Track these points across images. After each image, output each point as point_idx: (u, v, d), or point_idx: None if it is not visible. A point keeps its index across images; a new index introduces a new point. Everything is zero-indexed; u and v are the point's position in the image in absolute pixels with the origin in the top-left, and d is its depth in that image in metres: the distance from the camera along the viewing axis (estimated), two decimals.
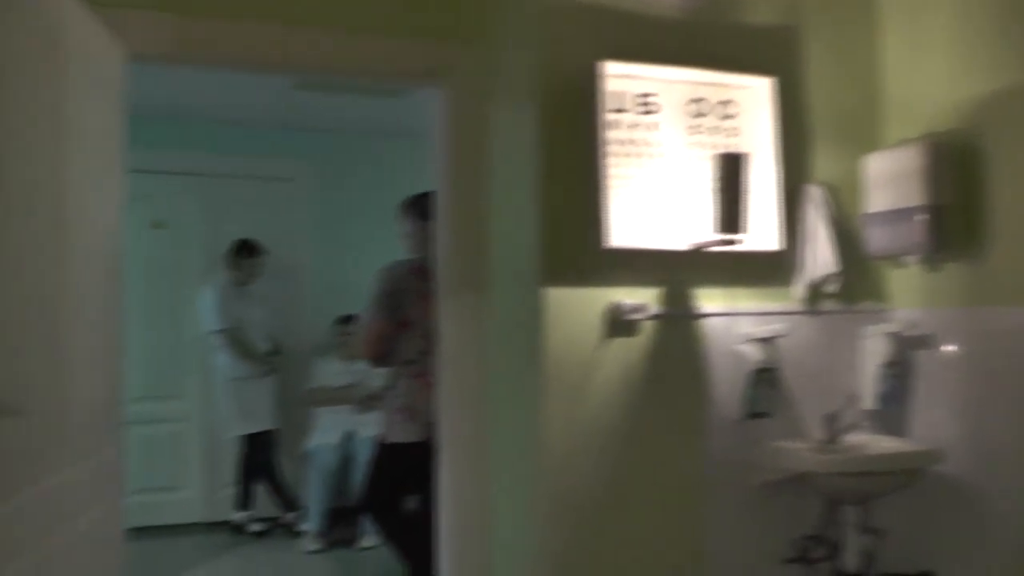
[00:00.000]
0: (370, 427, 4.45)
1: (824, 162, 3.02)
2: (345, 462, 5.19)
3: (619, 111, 2.65)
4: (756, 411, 2.79)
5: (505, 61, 2.90)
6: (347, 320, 5.29)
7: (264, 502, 5.36)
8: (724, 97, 2.82)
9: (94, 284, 2.39)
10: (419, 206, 3.49)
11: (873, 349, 2.98)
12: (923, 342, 2.92)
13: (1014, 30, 2.64)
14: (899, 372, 2.95)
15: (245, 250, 5.34)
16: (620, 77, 2.65)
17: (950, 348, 2.83)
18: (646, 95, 2.70)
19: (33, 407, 1.96)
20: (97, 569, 2.43)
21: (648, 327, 2.71)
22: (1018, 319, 2.58)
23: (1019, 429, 2.57)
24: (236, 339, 5.21)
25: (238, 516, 5.35)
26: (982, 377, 2.72)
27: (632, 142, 2.67)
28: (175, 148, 5.54)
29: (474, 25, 2.98)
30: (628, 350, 2.69)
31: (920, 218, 2.75)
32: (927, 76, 2.95)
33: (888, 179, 2.88)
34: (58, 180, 2.12)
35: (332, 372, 5.44)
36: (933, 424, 2.87)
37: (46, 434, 2.06)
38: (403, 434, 3.40)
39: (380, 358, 3.49)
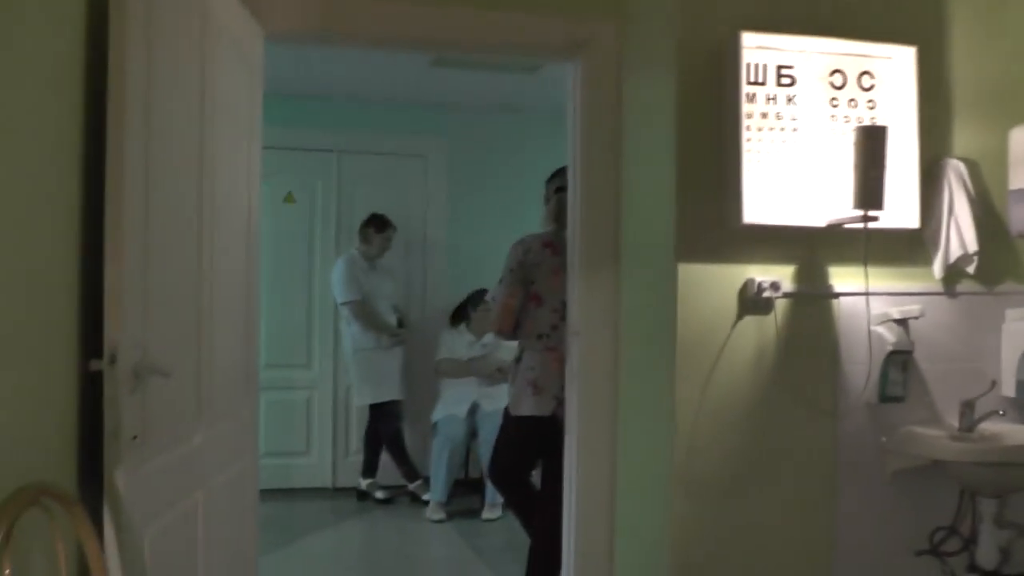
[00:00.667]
0: (496, 400, 4.54)
1: (967, 136, 2.91)
2: (470, 434, 5.31)
3: (757, 83, 2.62)
4: (890, 395, 2.73)
5: (642, 35, 2.90)
6: (480, 294, 5.40)
7: (389, 470, 5.53)
8: (864, 68, 2.74)
9: (235, 255, 2.54)
10: (556, 180, 3.53)
11: (1015, 333, 2.87)
12: None
13: None
14: None
15: (374, 224, 5.51)
16: (758, 49, 2.62)
17: None
18: (784, 67, 2.66)
19: (182, 369, 2.10)
20: (234, 525, 2.59)
21: (782, 305, 2.69)
22: None
23: None
24: (364, 311, 5.39)
25: (364, 483, 5.55)
26: None
27: (769, 115, 2.63)
28: (312, 125, 5.75)
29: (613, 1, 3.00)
30: (761, 328, 2.67)
31: None
32: None
33: None
34: (204, 155, 2.26)
35: (461, 344, 5.56)
36: None
37: (192, 395, 2.21)
38: (532, 407, 3.46)
39: (510, 331, 3.55)
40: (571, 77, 3.07)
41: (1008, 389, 2.86)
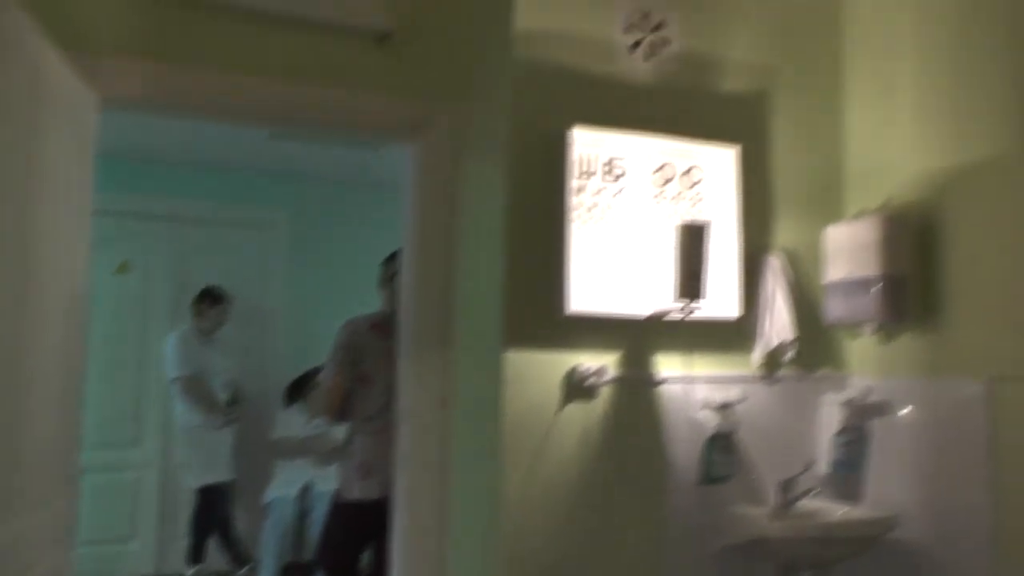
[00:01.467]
0: (330, 481, 4.43)
1: (786, 230, 3.13)
2: (302, 516, 5.15)
3: (586, 175, 2.73)
4: (714, 476, 2.85)
5: (479, 122, 2.98)
6: (316, 371, 5.30)
7: (217, 556, 5.30)
8: (690, 164, 2.92)
9: (55, 329, 2.41)
10: (392, 264, 3.53)
11: (830, 416, 3.07)
12: (879, 410, 3.02)
13: (973, 111, 2.78)
14: (855, 439, 3.04)
15: (208, 299, 5.35)
16: (588, 142, 2.73)
17: (905, 416, 2.93)
18: (613, 160, 2.78)
19: None
20: None
21: (607, 391, 2.77)
22: (971, 390, 2.69)
23: (972, 497, 2.66)
24: (194, 387, 5.19)
25: (191, 571, 5.29)
26: (936, 445, 2.82)
27: (598, 206, 2.74)
28: (147, 191, 5.57)
29: (452, 84, 3.06)
30: (587, 414, 2.74)
31: (877, 288, 2.85)
32: (889, 149, 3.09)
33: (847, 249, 2.99)
34: (26, 224, 2.15)
35: (297, 422, 5.43)
36: (888, 491, 2.96)
37: None
38: (360, 491, 3.40)
39: (337, 413, 3.49)
40: (410, 157, 3.09)
41: (824, 468, 3.05)
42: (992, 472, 2.61)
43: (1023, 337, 2.57)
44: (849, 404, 3.03)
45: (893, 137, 3.07)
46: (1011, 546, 2.54)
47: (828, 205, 3.21)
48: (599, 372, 2.72)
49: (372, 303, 3.63)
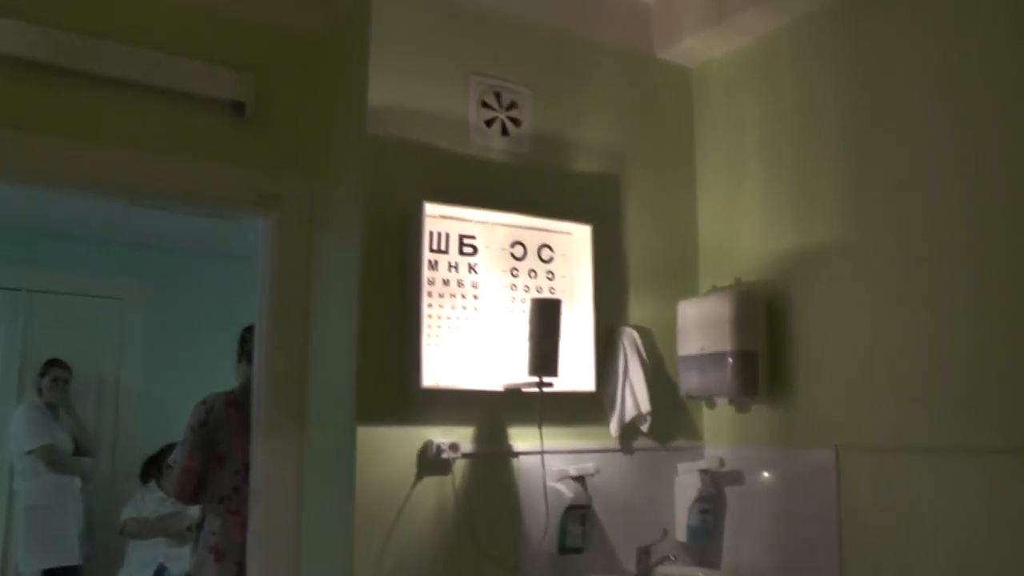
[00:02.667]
0: (184, 562, 4.31)
1: (641, 305, 3.28)
2: None
3: (439, 251, 2.80)
4: (570, 546, 2.91)
5: (334, 196, 3.03)
6: (172, 448, 5.15)
7: None
8: (544, 241, 3.03)
9: None
10: (248, 334, 3.50)
11: (685, 485, 3.19)
12: (733, 478, 3.16)
13: (814, 197, 3.01)
14: (710, 507, 3.17)
15: (51, 369, 5.19)
16: (441, 218, 2.81)
17: (759, 484, 3.08)
18: (466, 236, 2.87)
19: None
20: None
21: (462, 465, 2.81)
22: (819, 458, 2.86)
23: (824, 561, 2.80)
24: (54, 455, 5.00)
25: None
26: (788, 511, 2.97)
27: (451, 282, 2.81)
28: None
29: (306, 157, 3.10)
30: (442, 488, 2.77)
31: (729, 362, 3.00)
32: (739, 231, 3.29)
33: (701, 324, 3.14)
34: None
35: (151, 501, 5.25)
36: (743, 556, 3.10)
37: None
38: (214, 574, 3.32)
39: (191, 495, 3.43)
40: (262, 231, 3.10)
41: (680, 535, 3.17)
42: (839, 535, 2.77)
43: (865, 408, 2.75)
44: (704, 473, 3.17)
45: (742, 220, 3.28)
46: None
47: (681, 281, 3.39)
48: (453, 447, 2.76)
49: (232, 379, 3.59)
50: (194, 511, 4.57)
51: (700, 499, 3.14)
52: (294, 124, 3.07)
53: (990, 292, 2.44)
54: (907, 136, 2.70)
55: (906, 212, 2.68)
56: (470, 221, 2.88)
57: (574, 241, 3.09)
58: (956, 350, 2.51)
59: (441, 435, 2.77)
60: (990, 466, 2.37)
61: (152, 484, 5.33)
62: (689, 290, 3.36)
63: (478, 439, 2.85)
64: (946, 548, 2.46)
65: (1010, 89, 2.45)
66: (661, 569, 3.00)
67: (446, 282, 2.81)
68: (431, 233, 2.78)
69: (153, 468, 5.38)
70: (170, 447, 5.06)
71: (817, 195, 2.98)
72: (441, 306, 2.78)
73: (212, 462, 3.37)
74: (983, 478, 2.39)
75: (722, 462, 3.17)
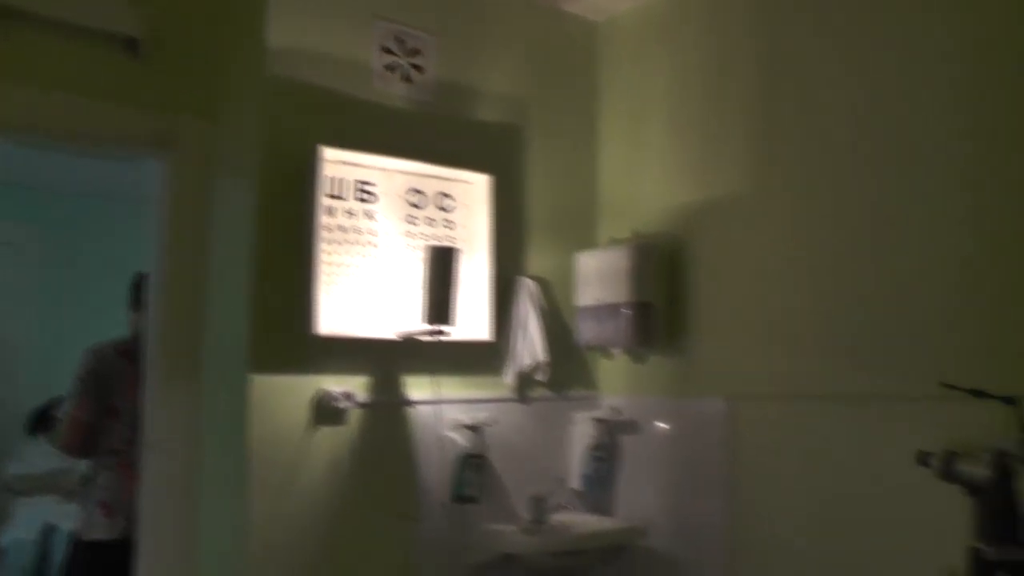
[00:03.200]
0: (74, 520, 4.21)
1: (539, 256, 3.32)
2: (43, 559, 4.83)
3: (337, 197, 2.78)
4: (465, 496, 2.96)
5: (231, 138, 2.96)
6: (58, 402, 5.01)
7: None
8: (443, 190, 3.03)
9: None
10: (141, 281, 3.40)
11: (581, 434, 3.27)
12: (628, 427, 3.24)
13: (714, 152, 3.07)
14: (605, 455, 3.25)
15: None
16: (339, 163, 2.79)
17: (653, 433, 3.17)
18: (364, 183, 2.85)
19: None
20: None
21: (357, 415, 2.82)
22: (712, 408, 2.96)
23: (714, 505, 2.92)
24: None
25: None
26: (681, 459, 3.07)
27: (348, 229, 2.80)
28: None
29: (203, 98, 3.02)
30: (337, 438, 2.78)
31: (626, 313, 3.05)
32: (639, 183, 3.35)
33: (598, 275, 3.20)
34: None
35: (39, 455, 5.10)
36: (637, 503, 3.19)
37: None
38: (103, 531, 3.23)
39: (79, 448, 3.31)
40: (158, 173, 3.01)
41: (575, 483, 3.26)
42: (730, 482, 2.88)
43: (757, 358, 2.85)
44: (599, 422, 3.25)
45: (643, 173, 3.34)
46: (744, 549, 2.81)
47: (580, 233, 3.44)
48: (348, 396, 2.76)
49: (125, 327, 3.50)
50: (84, 466, 4.47)
51: (595, 448, 3.23)
52: (192, 63, 2.98)
53: (874, 250, 2.54)
54: (810, 97, 2.77)
55: (804, 170, 2.77)
56: (369, 167, 2.87)
57: (474, 190, 3.11)
58: (842, 304, 2.62)
59: (336, 384, 2.77)
60: (870, 411, 2.48)
61: (40, 438, 5.17)
62: (588, 242, 3.42)
63: (374, 388, 2.86)
64: (827, 487, 2.58)
65: (908, 53, 2.53)
66: (555, 517, 3.07)
67: (343, 229, 2.79)
68: (328, 178, 2.76)
69: (41, 421, 5.22)
70: (59, 400, 4.93)
71: (719, 151, 3.05)
72: (338, 253, 2.78)
73: (104, 414, 3.27)
74: (863, 422, 2.50)
75: (617, 411, 3.26)
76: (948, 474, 2.02)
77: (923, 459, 2.10)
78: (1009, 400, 1.96)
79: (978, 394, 2.01)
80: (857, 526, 2.45)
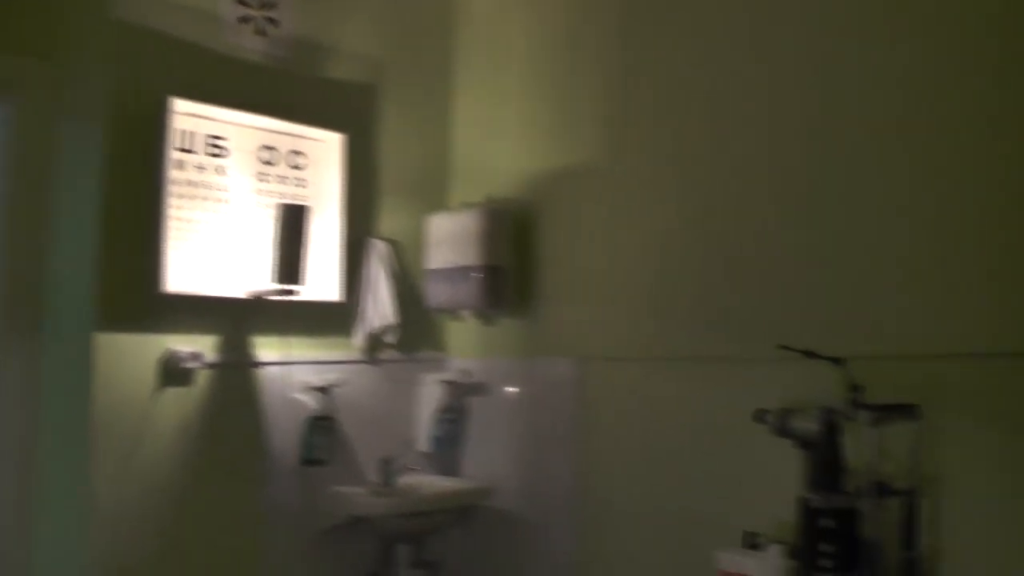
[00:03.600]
0: None
1: (391, 218, 3.33)
2: None
3: (187, 151, 2.69)
4: (313, 458, 2.96)
5: (77, 84, 2.80)
6: None
7: None
8: (295, 147, 2.99)
9: None
10: None
11: (430, 396, 3.32)
12: (477, 389, 3.32)
13: (569, 122, 3.15)
14: (454, 417, 3.32)
15: None
16: (189, 116, 2.71)
17: (503, 394, 3.25)
18: (216, 137, 2.78)
19: None
20: None
21: (205, 375, 2.77)
22: (560, 368, 3.06)
23: (561, 464, 3.02)
24: None
25: None
26: (529, 420, 3.17)
27: (198, 184, 2.72)
28: None
29: (48, 41, 2.83)
30: (184, 399, 2.73)
31: (476, 276, 3.12)
32: (494, 148, 3.40)
33: (450, 238, 3.24)
34: None
35: None
36: (485, 463, 3.27)
37: None
38: None
39: None
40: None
41: (424, 445, 3.31)
42: (577, 442, 2.99)
43: (605, 321, 2.96)
44: (448, 384, 3.30)
45: (498, 138, 3.39)
46: (591, 507, 2.93)
47: (433, 196, 3.47)
48: (196, 356, 2.70)
49: None
50: None
51: (444, 410, 3.29)
52: (34, 4, 2.80)
53: (718, 220, 2.67)
54: (663, 70, 2.87)
55: (655, 141, 2.87)
56: (221, 121, 2.80)
57: (327, 149, 3.08)
58: (686, 270, 2.74)
59: (184, 344, 2.71)
60: (711, 373, 2.62)
61: None
62: (440, 205, 3.45)
63: (222, 349, 2.82)
64: (670, 445, 2.71)
65: (761, 25, 2.63)
66: (404, 478, 3.12)
67: (193, 183, 2.71)
68: (179, 131, 2.67)
69: None
70: None
71: (574, 119, 3.13)
72: (188, 208, 2.70)
73: None
74: (705, 383, 2.64)
75: (466, 373, 3.33)
76: (782, 430, 2.17)
77: (760, 416, 2.25)
78: (837, 361, 2.13)
79: (810, 355, 2.17)
80: (699, 481, 2.61)
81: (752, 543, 2.25)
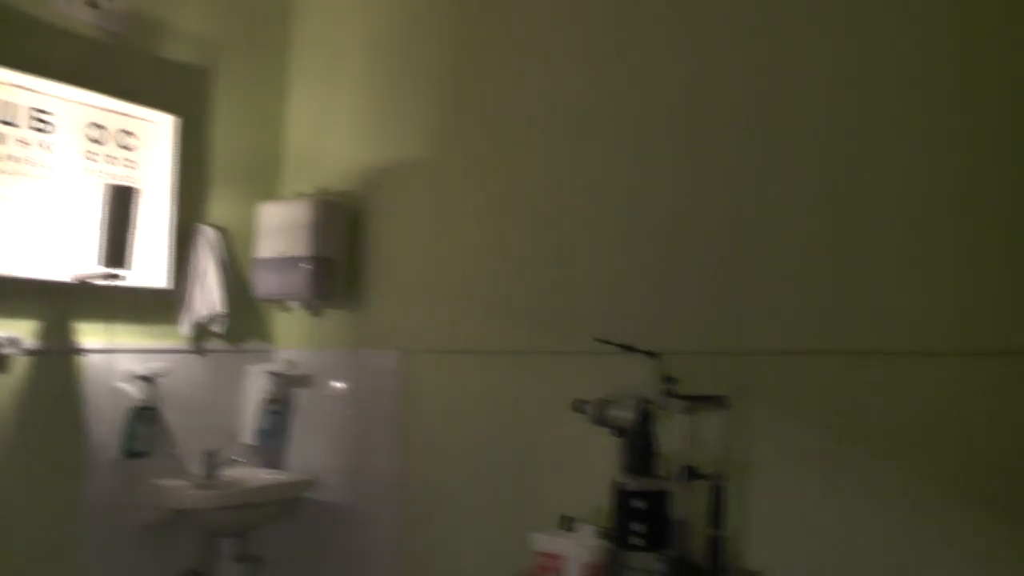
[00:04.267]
0: None
1: (222, 205, 3.33)
2: None
3: (8, 124, 2.63)
4: (136, 450, 2.94)
5: None
6: None
7: None
8: (126, 127, 2.96)
9: None
10: None
11: (256, 387, 3.35)
12: (304, 381, 3.38)
13: (402, 118, 3.23)
14: (280, 409, 3.36)
15: None
16: (12, 86, 2.64)
17: (329, 386, 3.31)
18: (41, 111, 2.72)
19: None
20: None
21: (23, 362, 2.70)
22: (386, 360, 3.15)
23: (386, 456, 3.12)
24: None
25: None
26: (356, 412, 3.24)
27: (20, 160, 2.66)
28: None
29: None
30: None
31: (305, 267, 3.17)
32: (328, 139, 3.46)
33: (280, 228, 3.27)
34: None
35: None
36: (311, 456, 3.33)
37: None
38: None
39: None
40: None
41: (249, 438, 3.32)
42: (402, 434, 3.09)
43: (431, 315, 3.07)
44: (275, 375, 3.34)
45: (332, 129, 3.45)
46: (415, 497, 3.03)
47: (265, 184, 3.50)
48: (13, 341, 2.63)
49: None
50: None
51: (269, 401, 3.32)
52: None
53: (543, 219, 2.82)
54: (493, 68, 3.01)
55: (485, 140, 3.01)
56: (47, 95, 2.73)
57: (158, 131, 3.06)
58: (511, 266, 2.88)
59: (1, 328, 2.63)
60: (534, 365, 2.77)
61: None
62: (272, 194, 3.49)
63: (42, 333, 2.75)
64: (494, 436, 2.85)
65: (591, 27, 2.78)
66: (228, 472, 3.13)
67: (14, 159, 2.64)
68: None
69: None
70: None
71: (407, 114, 3.23)
72: (8, 185, 2.63)
73: None
74: (529, 376, 2.78)
75: (293, 365, 3.37)
76: (600, 419, 2.33)
77: (578, 406, 2.40)
78: (652, 354, 2.33)
79: (627, 348, 2.36)
80: (520, 470, 2.77)
81: (568, 526, 2.41)
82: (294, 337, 3.45)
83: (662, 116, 2.56)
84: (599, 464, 2.39)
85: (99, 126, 2.88)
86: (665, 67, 2.56)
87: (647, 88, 2.60)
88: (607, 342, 2.38)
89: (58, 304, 2.79)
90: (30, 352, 2.71)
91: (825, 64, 2.25)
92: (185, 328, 3.15)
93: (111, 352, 2.88)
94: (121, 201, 2.75)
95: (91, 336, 2.87)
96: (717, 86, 2.44)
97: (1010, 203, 1.97)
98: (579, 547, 2.17)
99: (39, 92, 2.72)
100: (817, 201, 2.25)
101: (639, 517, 2.14)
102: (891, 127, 2.13)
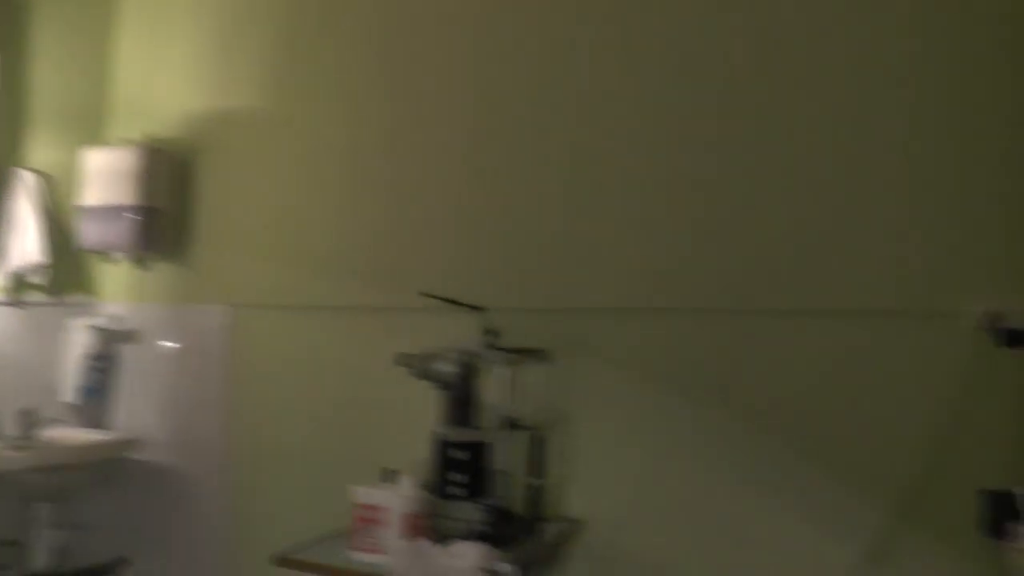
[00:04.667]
0: None
1: (42, 149, 3.20)
2: None
3: None
4: None
5: None
6: None
7: None
8: None
9: None
10: None
11: (78, 342, 3.24)
12: (129, 336, 3.30)
13: (238, 62, 3.17)
14: (103, 365, 3.27)
15: None
16: None
17: (156, 343, 3.25)
18: None
19: None
20: None
21: None
22: (213, 316, 3.12)
23: (212, 413, 3.10)
24: None
25: None
26: (184, 369, 3.20)
27: None
28: None
29: None
30: None
31: (131, 217, 3.10)
32: (156, 84, 3.36)
33: (105, 175, 3.18)
34: None
35: None
36: (137, 415, 3.27)
37: None
38: None
39: None
40: None
41: (70, 396, 3.22)
42: (230, 390, 3.07)
43: (262, 269, 3.05)
44: (99, 330, 3.25)
45: (161, 73, 3.36)
46: (242, 455, 3.03)
47: (89, 129, 3.38)
48: None
49: None
50: None
51: (92, 358, 3.23)
52: None
53: (371, 176, 2.84)
54: (333, 17, 2.97)
55: (320, 89, 2.99)
56: None
57: None
58: (343, 222, 2.90)
59: None
60: (362, 321, 2.81)
61: None
62: (97, 139, 3.37)
63: None
64: (321, 391, 2.87)
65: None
66: (46, 431, 3.03)
67: None
68: None
69: None
70: None
71: (241, 61, 3.18)
72: None
73: None
74: (356, 331, 2.83)
75: (118, 319, 3.29)
76: (423, 373, 2.37)
77: (402, 360, 2.43)
78: (476, 308, 2.39)
79: (452, 302, 2.42)
80: (346, 425, 2.80)
81: (390, 478, 2.45)
82: (120, 290, 3.36)
83: (500, 63, 2.61)
84: (424, 418, 2.43)
85: None
86: None
87: (480, 25, 2.65)
88: (432, 296, 2.43)
89: None
90: None
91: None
92: (1, 279, 3.03)
93: None
94: None
95: None
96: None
97: None
98: (399, 498, 2.21)
99: None
100: (638, 164, 2.35)
101: (459, 467, 2.20)
102: None
